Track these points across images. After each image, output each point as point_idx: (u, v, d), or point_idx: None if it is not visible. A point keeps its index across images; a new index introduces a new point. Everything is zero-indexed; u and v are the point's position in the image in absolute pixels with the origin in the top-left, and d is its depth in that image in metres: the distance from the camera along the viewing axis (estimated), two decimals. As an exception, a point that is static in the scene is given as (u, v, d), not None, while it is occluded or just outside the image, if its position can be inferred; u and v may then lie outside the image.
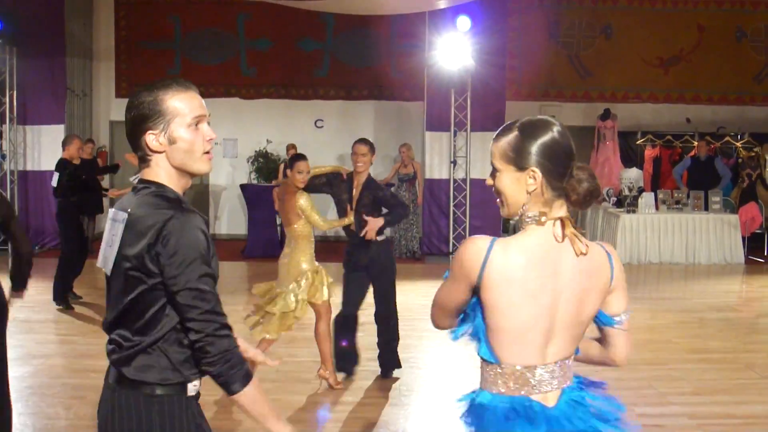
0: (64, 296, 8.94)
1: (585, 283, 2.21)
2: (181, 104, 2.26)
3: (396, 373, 6.41)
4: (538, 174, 2.17)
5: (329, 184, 6.27)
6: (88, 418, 5.07)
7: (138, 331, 2.23)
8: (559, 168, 2.19)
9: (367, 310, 6.39)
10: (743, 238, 12.81)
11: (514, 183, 2.20)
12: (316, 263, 5.93)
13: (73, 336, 7.75)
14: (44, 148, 13.42)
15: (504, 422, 2.18)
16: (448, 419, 5.53)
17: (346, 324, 6.26)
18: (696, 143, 14.35)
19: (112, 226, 2.28)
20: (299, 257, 5.84)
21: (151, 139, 2.26)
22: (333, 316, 6.10)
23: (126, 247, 2.21)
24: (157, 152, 2.28)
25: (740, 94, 15.30)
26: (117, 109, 14.84)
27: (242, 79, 15.24)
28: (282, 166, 13.28)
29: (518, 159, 2.18)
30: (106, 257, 2.29)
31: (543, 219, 2.18)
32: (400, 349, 6.44)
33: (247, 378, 2.23)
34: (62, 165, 9.15)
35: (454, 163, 13.07)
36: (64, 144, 9.42)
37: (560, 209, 2.22)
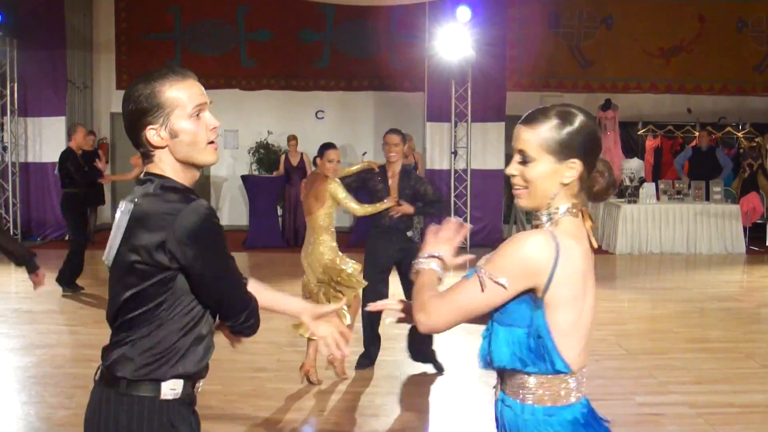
0: (71, 281, 8.98)
1: None
2: (180, 94, 2.16)
3: (397, 366, 6.41)
4: (579, 166, 2.09)
5: (361, 180, 6.23)
6: (91, 407, 5.09)
7: (127, 324, 2.15)
8: (593, 160, 2.13)
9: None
10: (744, 229, 12.81)
11: (549, 174, 2.09)
12: (340, 254, 5.84)
13: (76, 326, 7.77)
14: (45, 140, 13.44)
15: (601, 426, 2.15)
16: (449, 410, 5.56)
17: (370, 318, 6.17)
18: (697, 133, 14.35)
19: (119, 217, 2.20)
20: (321, 249, 5.77)
21: (152, 134, 2.16)
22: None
23: (133, 239, 2.11)
24: (160, 147, 2.18)
25: (741, 84, 15.29)
26: (118, 101, 14.56)
27: (242, 70, 15.23)
28: (283, 157, 13.32)
29: (561, 150, 2.07)
30: (110, 248, 2.21)
31: (575, 211, 2.13)
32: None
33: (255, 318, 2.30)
34: (69, 155, 9.16)
35: (455, 153, 13.07)
36: (70, 133, 9.43)
37: (578, 201, 2.16)
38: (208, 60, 14.94)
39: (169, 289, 2.12)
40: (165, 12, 15.13)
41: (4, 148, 13.42)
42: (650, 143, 15.18)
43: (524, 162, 2.11)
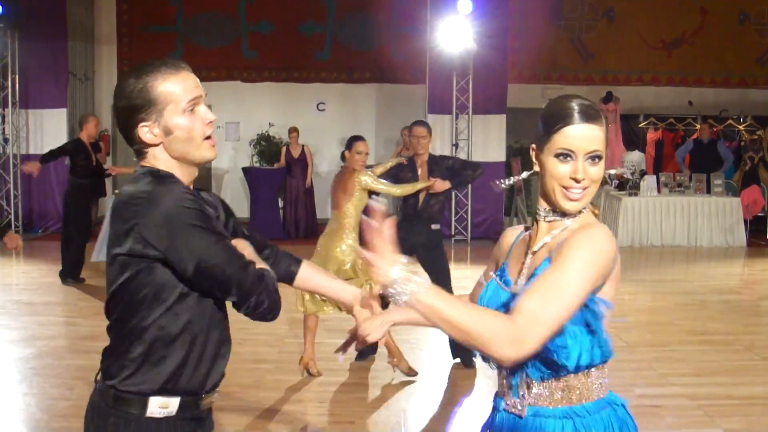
0: (74, 272, 8.99)
1: None
2: (173, 88, 2.02)
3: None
4: None
5: (392, 175, 6.24)
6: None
7: (114, 326, 2.07)
8: None
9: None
10: (745, 221, 12.80)
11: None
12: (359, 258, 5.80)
13: (76, 318, 7.78)
14: (46, 132, 13.42)
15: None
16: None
17: None
18: (698, 126, 14.34)
19: (108, 214, 2.15)
20: (337, 243, 5.71)
21: (145, 131, 2.03)
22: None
23: (112, 229, 2.02)
24: (153, 145, 2.06)
25: (743, 77, 15.26)
26: (119, 93, 14.83)
27: (244, 62, 15.22)
28: (284, 149, 13.32)
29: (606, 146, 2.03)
30: (101, 245, 2.19)
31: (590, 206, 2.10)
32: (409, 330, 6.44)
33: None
34: (80, 145, 9.16)
35: (456, 145, 13.07)
36: (81, 124, 9.41)
37: None
38: (210, 52, 14.92)
39: (148, 283, 1.98)
40: (166, 3, 15.11)
41: (6, 140, 13.43)
42: (651, 136, 15.18)
43: (594, 161, 1.99)
